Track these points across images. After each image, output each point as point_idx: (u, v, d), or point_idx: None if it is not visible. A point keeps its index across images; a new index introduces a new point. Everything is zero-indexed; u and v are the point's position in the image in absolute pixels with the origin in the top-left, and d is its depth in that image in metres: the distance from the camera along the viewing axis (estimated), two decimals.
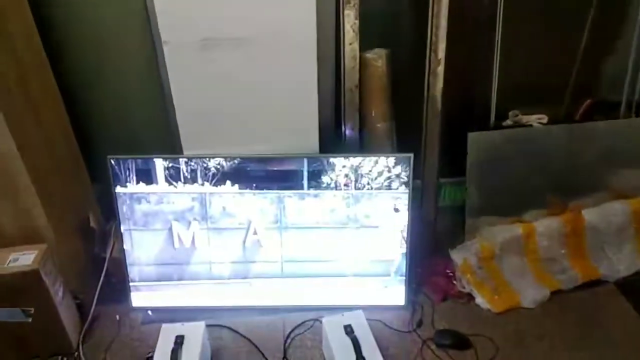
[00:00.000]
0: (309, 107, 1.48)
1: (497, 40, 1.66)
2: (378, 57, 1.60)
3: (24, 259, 1.37)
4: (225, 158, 1.47)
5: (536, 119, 1.83)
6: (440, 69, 1.56)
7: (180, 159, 1.48)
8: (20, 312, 1.32)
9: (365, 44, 1.58)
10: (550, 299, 1.66)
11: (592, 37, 1.76)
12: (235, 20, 1.33)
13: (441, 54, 1.54)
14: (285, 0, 1.32)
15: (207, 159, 1.46)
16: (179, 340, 1.35)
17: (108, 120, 1.75)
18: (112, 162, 1.49)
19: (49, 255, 1.43)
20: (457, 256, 1.73)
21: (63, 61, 1.61)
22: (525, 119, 1.82)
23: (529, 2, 1.68)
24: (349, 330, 1.38)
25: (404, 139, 1.72)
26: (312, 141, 1.53)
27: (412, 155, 1.49)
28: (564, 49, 1.79)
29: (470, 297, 1.68)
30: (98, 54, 1.62)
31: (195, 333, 1.38)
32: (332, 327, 1.40)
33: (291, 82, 1.43)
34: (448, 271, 1.75)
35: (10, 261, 1.36)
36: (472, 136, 1.69)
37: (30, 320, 1.36)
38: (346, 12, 1.48)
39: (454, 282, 1.72)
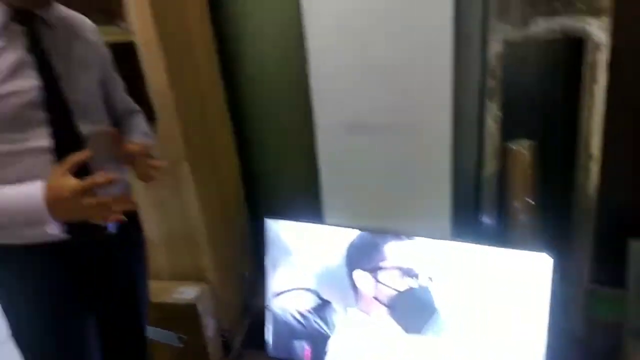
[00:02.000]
0: (442, 193, 1.52)
1: None
2: (522, 148, 1.58)
3: (188, 293, 1.67)
4: (362, 229, 1.59)
5: None
6: (594, 166, 1.46)
7: (326, 225, 1.65)
8: (176, 337, 1.60)
9: (511, 133, 1.59)
10: None
11: None
12: (378, 110, 1.49)
13: (594, 149, 1.44)
14: (423, 92, 1.43)
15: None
16: None
17: (266, 183, 2.05)
18: (269, 222, 1.75)
19: (208, 294, 1.72)
20: None
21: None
22: None
23: None
24: None
25: (552, 235, 1.60)
26: (442, 224, 1.55)
27: (553, 256, 1.37)
28: None
29: None
30: (272, 131, 1.96)
31: None
32: None
33: (425, 167, 1.51)
34: None
35: (176, 293, 1.68)
36: (636, 246, 1.48)
37: (182, 346, 1.62)
38: (488, 104, 1.52)
39: None
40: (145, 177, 1.15)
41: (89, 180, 0.90)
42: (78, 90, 1.01)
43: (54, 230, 0.94)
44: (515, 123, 1.61)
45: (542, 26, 1.44)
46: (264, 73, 1.86)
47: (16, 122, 0.92)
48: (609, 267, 1.54)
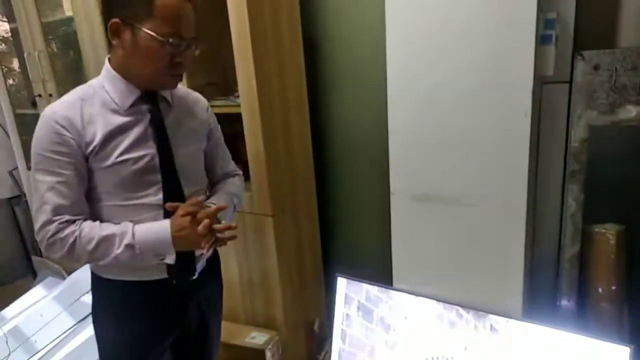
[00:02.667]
0: (515, 269, 1.50)
1: None
2: (607, 232, 1.53)
3: (259, 338, 1.78)
4: (429, 297, 1.61)
5: None
6: None
7: (396, 292, 1.69)
8: None
9: (597, 218, 1.55)
10: None
11: None
12: (448, 182, 1.54)
13: None
14: (497, 170, 1.46)
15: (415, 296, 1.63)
16: None
17: (344, 244, 2.14)
18: (340, 280, 1.82)
19: (277, 342, 1.81)
20: None
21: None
22: None
23: None
24: None
25: (637, 327, 1.50)
26: (514, 303, 1.52)
27: (630, 347, 1.30)
28: None
29: None
30: (351, 193, 2.07)
31: None
32: None
33: (498, 242, 1.51)
34: None
35: (250, 337, 1.79)
36: None
37: None
38: (570, 185, 1.51)
39: None
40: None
41: (203, 212, 1.11)
42: (186, 158, 1.20)
43: (171, 260, 1.12)
44: (602, 207, 1.57)
45: (630, 113, 1.43)
46: (350, 138, 2.01)
47: (135, 182, 1.12)
48: None
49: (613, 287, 1.54)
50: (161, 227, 1.11)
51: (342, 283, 1.81)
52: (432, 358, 1.61)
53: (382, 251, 1.87)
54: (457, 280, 1.62)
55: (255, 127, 1.66)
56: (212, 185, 1.40)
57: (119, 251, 1.08)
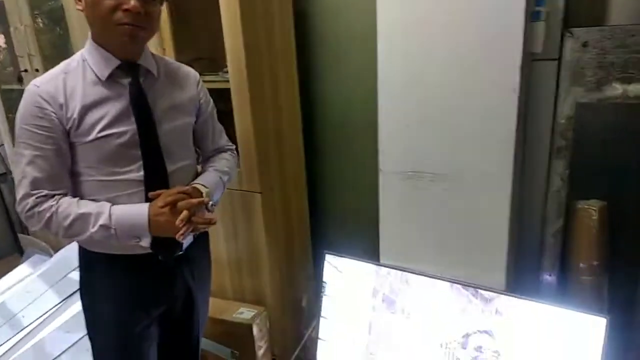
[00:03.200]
0: (498, 244, 1.53)
1: None
2: (591, 208, 1.55)
3: (247, 313, 1.80)
4: (416, 273, 1.63)
5: None
6: None
7: (382, 267, 1.71)
8: (230, 352, 1.71)
9: (580, 193, 1.57)
10: None
11: None
12: (437, 159, 1.55)
13: None
14: (482, 146, 1.47)
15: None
16: None
17: (331, 221, 2.16)
18: (327, 257, 1.84)
19: (264, 317, 1.83)
20: None
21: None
22: None
23: None
24: None
25: (616, 300, 1.54)
26: (497, 277, 1.55)
27: (607, 318, 1.34)
28: None
29: None
30: (339, 172, 2.08)
31: None
32: None
33: (483, 217, 1.53)
34: None
35: (237, 313, 1.80)
36: None
37: None
38: (555, 161, 1.53)
39: None
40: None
41: (183, 202, 1.10)
42: (171, 133, 1.19)
43: (146, 244, 1.12)
44: (586, 183, 1.59)
45: (617, 91, 1.44)
46: (340, 115, 2.01)
47: (117, 158, 1.11)
48: None
49: (595, 262, 1.57)
50: (139, 212, 1.11)
51: (329, 259, 1.83)
52: (418, 322, 1.64)
53: (370, 228, 1.89)
54: (443, 256, 1.64)
55: (244, 103, 1.65)
56: (205, 160, 1.39)
57: (93, 230, 1.08)
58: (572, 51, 1.47)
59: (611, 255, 1.57)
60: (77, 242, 1.23)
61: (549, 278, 1.60)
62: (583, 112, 1.51)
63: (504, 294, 1.49)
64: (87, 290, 1.27)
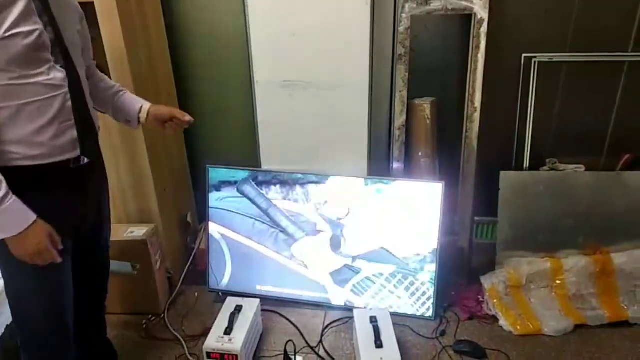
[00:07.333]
0: (361, 140, 1.86)
1: (532, 94, 1.93)
2: (424, 104, 1.95)
3: (138, 232, 1.85)
4: (292, 173, 1.88)
5: (574, 169, 2.01)
6: (476, 116, 1.86)
7: (262, 171, 1.92)
8: (130, 265, 1.77)
9: (417, 92, 1.95)
10: (574, 331, 1.78)
11: (625, 99, 1.95)
12: (306, 68, 1.78)
13: (477, 103, 1.85)
14: (344, 55, 1.74)
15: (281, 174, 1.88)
16: (238, 308, 1.72)
17: (208, 136, 2.26)
18: (210, 169, 1.96)
19: (155, 233, 1.91)
20: (486, 282, 1.92)
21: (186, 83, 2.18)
22: (562, 167, 2.01)
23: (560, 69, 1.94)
24: (373, 320, 1.65)
25: (448, 175, 2.01)
26: (361, 167, 1.89)
27: (442, 183, 1.77)
28: (598, 108, 1.99)
29: (495, 319, 1.85)
30: (212, 86, 2.16)
31: (252, 305, 1.75)
32: (360, 316, 1.69)
33: (347, 118, 1.83)
34: (479, 297, 1.94)
35: (128, 232, 1.85)
36: (504, 174, 1.93)
37: (135, 273, 1.79)
38: (398, 66, 1.86)
39: (482, 306, 1.90)
40: None
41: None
42: (73, 36, 1.18)
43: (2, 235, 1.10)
44: (421, 84, 1.98)
45: (440, 4, 1.79)
46: (211, 32, 2.06)
47: (27, 59, 1.06)
48: (487, 201, 1.99)
49: (429, 148, 2.00)
50: (23, 217, 1.09)
51: (211, 172, 1.96)
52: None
53: (249, 139, 2.05)
54: (317, 156, 1.91)
55: (113, 19, 1.62)
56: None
57: None
58: None
59: (440, 142, 2.01)
60: None
61: (397, 165, 1.98)
62: (416, 23, 1.85)
63: (365, 178, 1.84)
64: None
